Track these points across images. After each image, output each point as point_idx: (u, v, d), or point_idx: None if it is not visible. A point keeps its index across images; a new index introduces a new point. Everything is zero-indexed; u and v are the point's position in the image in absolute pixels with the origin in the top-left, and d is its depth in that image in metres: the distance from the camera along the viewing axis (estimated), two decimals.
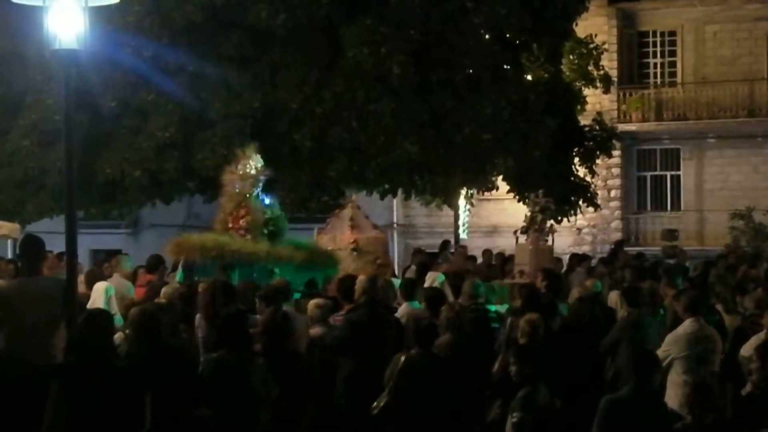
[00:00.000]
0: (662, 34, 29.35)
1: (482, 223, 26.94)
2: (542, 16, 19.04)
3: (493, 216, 27.17)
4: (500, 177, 19.71)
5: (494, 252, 18.85)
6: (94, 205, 18.26)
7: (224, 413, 6.68)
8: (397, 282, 12.60)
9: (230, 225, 12.35)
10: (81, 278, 10.39)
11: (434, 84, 17.44)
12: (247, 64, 17.05)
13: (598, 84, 22.69)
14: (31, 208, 17.69)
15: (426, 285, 12.15)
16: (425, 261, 14.97)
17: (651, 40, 29.44)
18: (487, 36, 18.30)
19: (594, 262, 17.24)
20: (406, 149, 16.68)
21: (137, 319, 7.03)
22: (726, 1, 28.45)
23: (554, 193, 19.18)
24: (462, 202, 21.59)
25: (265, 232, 12.39)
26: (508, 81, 18.43)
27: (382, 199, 19.55)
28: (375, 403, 7.99)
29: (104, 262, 14.48)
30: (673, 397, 8.31)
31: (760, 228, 25.46)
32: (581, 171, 21.90)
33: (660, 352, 8.69)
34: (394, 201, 26.55)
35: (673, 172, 29.42)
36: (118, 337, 8.10)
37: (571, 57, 22.02)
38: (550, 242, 17.07)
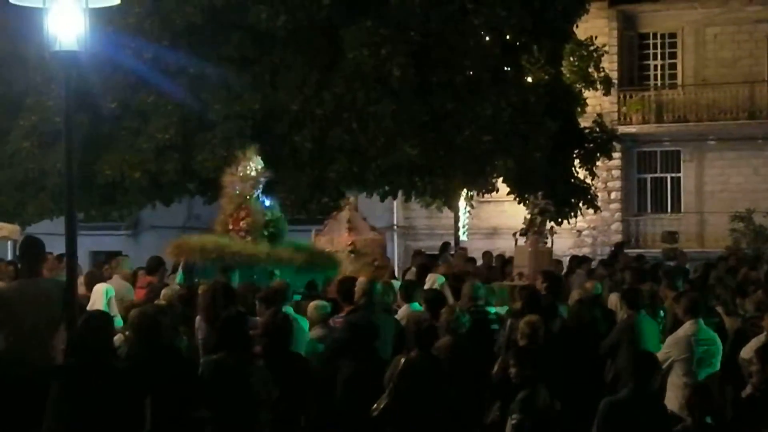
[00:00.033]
0: (663, 36, 29.35)
1: (482, 225, 26.94)
2: (542, 18, 19.04)
3: (493, 218, 27.17)
4: (500, 179, 19.71)
5: (494, 254, 18.86)
6: (94, 206, 18.26)
7: (224, 415, 6.68)
8: (397, 284, 12.60)
9: (230, 227, 12.34)
10: (80, 280, 10.39)
11: (434, 85, 17.44)
12: (247, 66, 17.05)
13: (598, 86, 22.69)
14: (31, 209, 17.69)
15: (426, 287, 12.15)
16: (425, 263, 14.97)
17: (651, 42, 29.44)
18: (487, 38, 18.29)
19: (594, 264, 17.25)
20: (405, 151, 16.68)
21: (137, 320, 7.04)
22: (726, 4, 28.45)
23: (554, 195, 19.19)
24: (462, 203, 21.60)
25: (266, 233, 12.39)
26: (508, 83, 18.43)
27: (382, 200, 19.55)
28: (375, 405, 7.99)
29: (104, 264, 14.47)
30: (673, 399, 8.31)
31: (761, 230, 25.45)
32: (581, 173, 21.90)
33: (660, 354, 8.69)
34: (395, 203, 26.57)
35: (673, 174, 29.42)
36: (117, 338, 8.10)
37: (571, 59, 22.03)
38: (549, 244, 17.07)
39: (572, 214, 21.35)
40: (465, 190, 20.61)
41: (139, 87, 17.04)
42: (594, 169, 22.15)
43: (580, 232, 28.23)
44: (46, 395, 5.99)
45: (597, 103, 25.06)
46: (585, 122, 22.32)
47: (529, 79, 19.89)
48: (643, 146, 29.54)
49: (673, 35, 29.26)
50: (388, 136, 16.72)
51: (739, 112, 28.11)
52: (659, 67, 29.44)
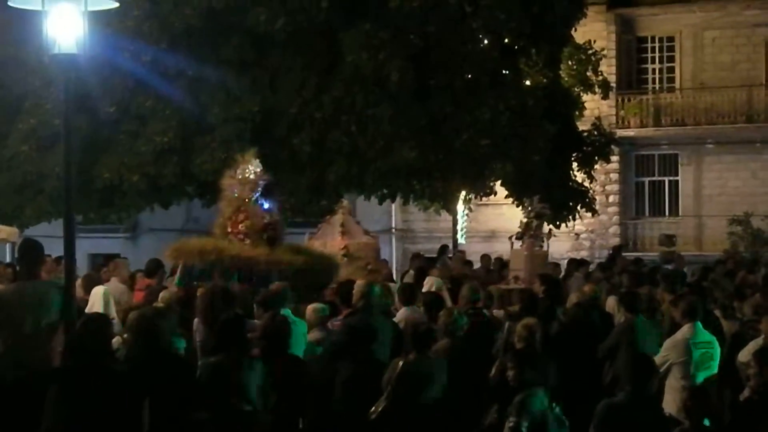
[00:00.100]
0: (661, 39, 29.37)
1: (480, 228, 26.96)
2: (541, 22, 19.05)
3: (492, 221, 27.18)
4: (498, 182, 19.73)
5: (492, 257, 18.87)
6: (93, 209, 18.25)
7: (222, 417, 6.68)
8: (395, 287, 12.62)
9: (229, 229, 12.33)
10: (78, 282, 10.38)
11: (433, 89, 17.46)
12: (246, 69, 17.06)
13: (596, 89, 22.71)
14: (30, 212, 17.68)
15: (424, 290, 12.16)
16: (423, 266, 14.99)
17: (649, 45, 29.47)
18: (485, 41, 18.31)
19: (592, 267, 17.27)
20: (404, 154, 16.69)
21: (136, 323, 7.04)
22: (725, 8, 28.49)
23: (552, 198, 19.19)
24: (460, 207, 21.61)
25: (264, 237, 12.37)
26: (506, 86, 18.45)
27: (380, 203, 19.55)
28: (373, 408, 7.99)
29: (103, 267, 14.46)
30: (671, 402, 8.32)
31: (759, 233, 25.50)
32: (579, 176, 21.92)
33: (658, 358, 8.71)
34: (393, 206, 26.57)
35: (671, 178, 29.44)
36: (116, 341, 8.10)
37: (569, 63, 22.05)
38: (545, 248, 17.09)
39: (570, 217, 21.37)
40: (463, 193, 20.61)
41: (138, 90, 17.04)
42: (592, 172, 22.17)
43: (578, 235, 28.24)
44: (45, 398, 6.00)
45: (595, 106, 25.10)
46: (583, 126, 22.35)
47: (528, 83, 19.92)
48: (641, 150, 29.57)
49: (671, 39, 29.28)
50: (387, 139, 16.73)
51: (737, 116, 28.13)
52: (657, 71, 29.46)
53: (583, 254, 25.80)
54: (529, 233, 16.66)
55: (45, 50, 7.13)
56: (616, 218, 29.15)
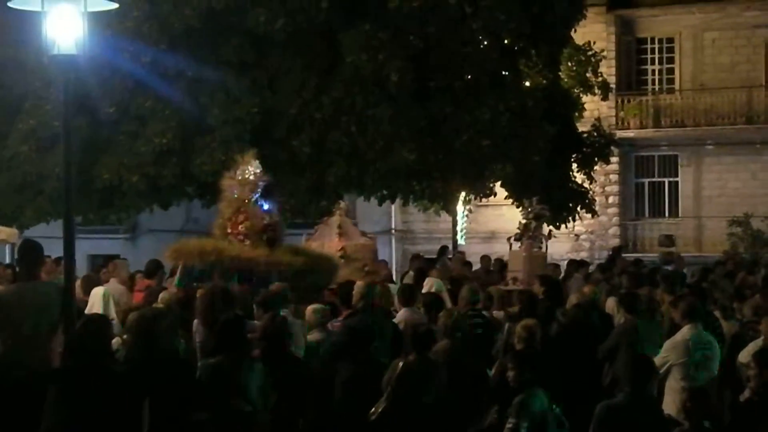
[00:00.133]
0: (660, 41, 29.36)
1: (480, 229, 26.96)
2: (541, 23, 19.06)
3: (491, 222, 27.17)
4: (498, 183, 19.73)
5: (492, 258, 18.86)
6: (92, 210, 18.25)
7: (222, 418, 6.68)
8: (394, 288, 12.61)
9: (229, 230, 12.32)
10: (77, 283, 10.38)
11: (433, 90, 17.46)
12: (245, 70, 17.06)
13: (596, 91, 22.71)
14: (29, 213, 17.68)
15: (424, 290, 12.16)
16: (423, 267, 14.98)
17: (649, 46, 29.46)
18: (485, 42, 18.31)
19: (592, 268, 17.26)
20: (403, 155, 16.69)
21: (135, 324, 7.03)
22: (724, 9, 28.49)
23: (552, 199, 19.19)
24: (460, 207, 21.61)
25: (264, 238, 12.37)
26: (506, 87, 18.45)
27: (380, 204, 19.55)
28: (373, 409, 7.99)
29: (102, 268, 14.46)
30: (671, 403, 8.31)
31: (758, 234, 25.49)
32: (579, 177, 21.92)
33: (658, 359, 8.70)
34: (392, 206, 26.56)
35: (671, 179, 29.44)
36: (115, 342, 8.10)
37: (569, 64, 22.05)
38: (543, 249, 17.09)
39: (570, 218, 21.37)
40: (463, 193, 20.61)
41: (138, 91, 17.04)
42: (592, 173, 22.18)
43: (577, 236, 28.23)
44: (44, 399, 6.00)
45: (595, 107, 25.11)
46: (583, 127, 22.35)
47: (527, 84, 19.92)
48: (640, 151, 29.56)
49: (671, 40, 29.28)
50: (387, 140, 16.73)
51: (736, 117, 28.13)
52: (657, 72, 29.46)
53: (583, 255, 25.79)
54: (528, 234, 16.66)
55: (45, 51, 7.13)
56: (615, 219, 29.15)
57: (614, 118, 28.28)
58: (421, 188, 18.03)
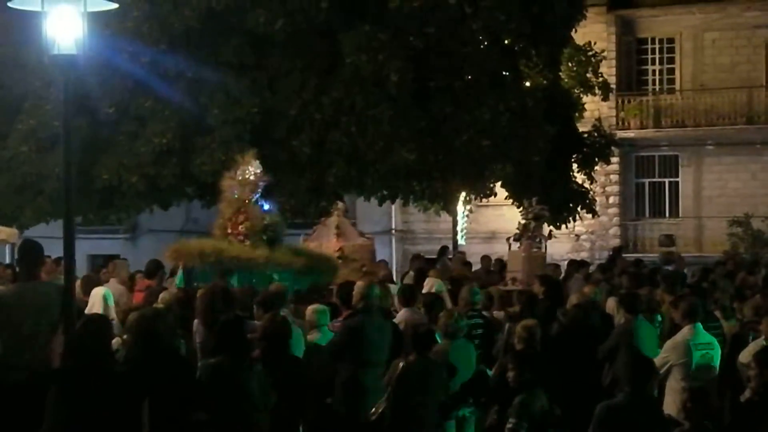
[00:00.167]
0: (661, 41, 29.36)
1: (480, 229, 26.95)
2: (541, 23, 19.06)
3: (492, 222, 27.17)
4: (499, 183, 19.73)
5: (493, 258, 18.85)
6: (92, 210, 18.25)
7: (222, 419, 6.68)
8: (395, 288, 12.61)
9: (229, 230, 12.33)
10: (77, 283, 10.38)
11: (433, 90, 17.45)
12: (245, 70, 17.06)
13: (596, 91, 22.71)
14: (29, 213, 17.68)
15: (424, 291, 12.15)
16: (423, 267, 14.98)
17: (650, 47, 29.46)
18: (485, 42, 18.30)
19: (592, 268, 17.25)
20: (403, 156, 16.68)
21: (136, 324, 7.03)
22: (725, 9, 28.48)
23: (553, 199, 19.19)
24: (460, 208, 21.61)
25: (264, 238, 12.38)
26: (506, 87, 18.44)
27: (380, 204, 19.55)
28: (373, 409, 7.99)
29: (102, 268, 14.47)
30: (671, 403, 8.31)
31: (759, 235, 25.49)
32: (580, 177, 21.92)
33: (658, 359, 8.70)
34: (393, 207, 26.56)
35: (671, 179, 29.43)
36: (115, 342, 8.09)
37: (569, 64, 22.04)
38: (543, 249, 17.10)
39: (570, 218, 21.37)
40: (463, 194, 20.61)
41: (137, 91, 17.04)
42: (592, 173, 22.17)
43: (578, 236, 28.23)
44: (44, 399, 5.99)
45: (595, 108, 25.10)
46: (583, 127, 22.35)
47: (528, 84, 19.91)
48: (641, 151, 29.56)
49: (671, 40, 29.27)
50: (387, 141, 16.73)
51: (737, 117, 28.12)
52: (657, 72, 29.45)
53: (583, 255, 25.78)
54: (527, 235, 16.67)
55: (45, 51, 7.12)
56: (616, 219, 29.15)
57: (615, 119, 28.27)
58: (422, 188, 18.02)
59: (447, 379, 8.02)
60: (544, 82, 20.25)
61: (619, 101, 28.58)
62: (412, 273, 15.08)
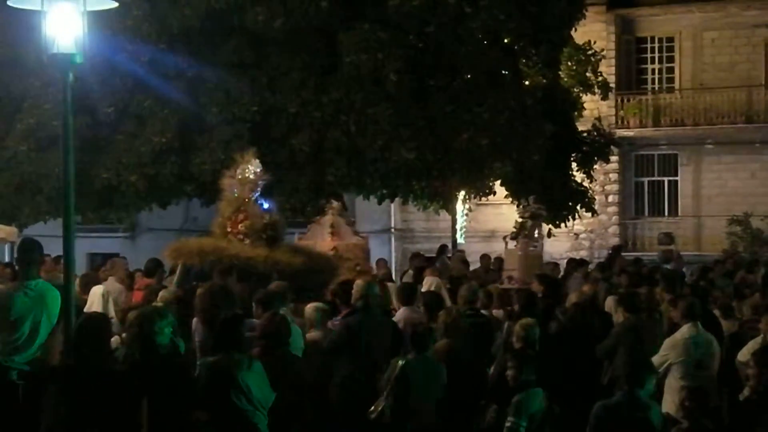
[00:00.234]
0: (660, 40, 29.36)
1: (480, 228, 26.95)
2: (541, 22, 19.05)
3: (491, 221, 27.17)
4: (498, 182, 19.74)
5: (492, 257, 18.86)
6: (91, 209, 18.24)
7: (221, 417, 6.68)
8: (393, 287, 12.62)
9: (229, 229, 12.33)
10: (75, 282, 10.38)
11: (432, 89, 17.45)
12: (245, 69, 17.04)
13: (596, 90, 22.70)
14: (28, 212, 17.68)
15: (423, 289, 12.16)
16: (422, 265, 14.99)
17: (649, 46, 29.45)
18: (485, 41, 18.29)
19: (591, 267, 17.26)
20: (402, 155, 16.68)
21: (135, 322, 7.03)
22: (724, 8, 28.48)
23: (552, 198, 19.19)
24: (460, 206, 21.62)
25: (264, 236, 12.38)
26: (506, 86, 18.43)
27: (379, 203, 19.55)
28: (372, 408, 8.00)
29: (101, 266, 14.47)
30: (670, 402, 8.32)
31: (758, 233, 25.52)
32: (579, 176, 21.92)
33: (657, 357, 8.72)
34: (392, 205, 26.56)
35: (670, 178, 29.43)
36: (114, 340, 8.10)
37: (569, 63, 22.04)
38: (539, 248, 17.12)
39: (570, 217, 21.38)
40: (462, 192, 20.61)
41: (137, 90, 17.02)
42: (591, 172, 22.17)
43: (577, 235, 28.24)
44: (43, 398, 6.00)
45: (595, 107, 25.08)
46: (583, 126, 22.34)
47: (527, 83, 19.90)
48: (640, 150, 29.56)
49: (670, 39, 29.27)
50: (386, 139, 16.73)
51: (736, 116, 28.12)
52: (657, 71, 29.45)
53: (583, 254, 25.80)
54: (524, 233, 16.69)
55: (44, 50, 7.12)
56: (615, 218, 29.15)
57: (614, 118, 28.27)
58: (421, 187, 18.02)
59: (446, 377, 8.03)
60: (544, 81, 20.24)
61: (619, 100, 28.57)
62: (411, 272, 15.10)
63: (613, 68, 27.81)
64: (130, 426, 6.11)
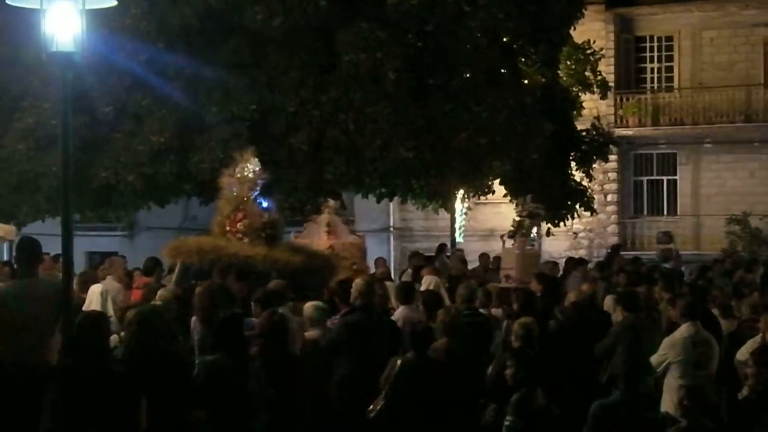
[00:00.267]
0: (659, 39, 29.37)
1: (479, 227, 26.95)
2: (540, 21, 19.05)
3: (490, 220, 27.16)
4: (497, 181, 19.74)
5: (491, 256, 18.87)
6: (89, 208, 18.23)
7: (220, 416, 6.68)
8: (392, 285, 12.62)
9: (228, 228, 12.33)
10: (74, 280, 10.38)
11: (431, 88, 17.44)
12: (244, 68, 17.03)
13: (595, 89, 22.71)
14: (26, 210, 17.66)
15: (422, 288, 12.17)
16: (421, 264, 15.00)
17: (648, 45, 29.46)
18: (484, 40, 18.28)
19: (590, 266, 17.27)
20: (401, 153, 16.68)
21: (133, 321, 7.03)
22: (723, 7, 28.49)
23: (551, 197, 19.18)
24: (459, 205, 21.62)
25: (263, 235, 12.38)
26: (504, 85, 18.43)
27: (378, 202, 19.55)
28: (371, 407, 8.00)
29: (100, 265, 14.47)
30: (669, 401, 8.33)
31: (756, 233, 25.53)
32: (578, 175, 21.93)
33: (656, 357, 8.72)
34: (391, 204, 26.56)
35: (669, 177, 29.45)
36: (113, 339, 8.10)
37: (568, 62, 22.04)
38: (536, 247, 17.12)
39: (569, 216, 21.38)
40: (461, 191, 20.62)
41: (135, 89, 17.00)
42: (590, 171, 22.17)
43: (576, 234, 28.25)
44: (43, 397, 5.99)
45: (594, 106, 25.08)
46: (582, 125, 22.34)
47: (526, 82, 19.90)
48: (639, 149, 29.57)
49: (669, 38, 29.28)
50: (385, 138, 16.72)
51: (735, 115, 28.14)
52: (656, 70, 29.46)
53: (582, 253, 25.81)
54: (521, 232, 16.70)
55: (43, 48, 7.11)
56: (614, 217, 29.15)
57: (613, 117, 28.28)
58: (420, 186, 18.01)
59: (444, 376, 8.03)
60: (543, 80, 20.24)
61: (618, 99, 28.58)
62: (410, 270, 15.10)
63: (612, 67, 27.82)
64: (129, 425, 6.11)
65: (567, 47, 21.66)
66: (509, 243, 17.12)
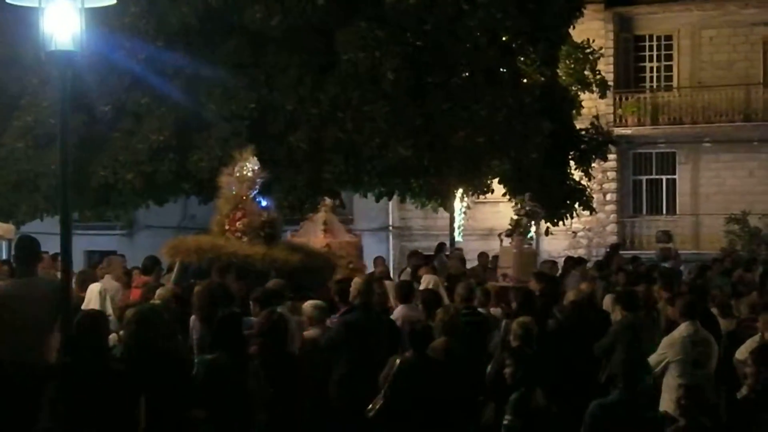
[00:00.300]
0: (658, 38, 29.37)
1: (478, 226, 26.95)
2: (539, 20, 19.05)
3: (489, 219, 27.16)
4: (496, 179, 19.73)
5: (490, 255, 18.86)
6: (88, 207, 18.22)
7: (219, 415, 6.67)
8: (390, 284, 12.61)
9: (227, 227, 12.32)
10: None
11: (429, 86, 17.44)
12: (242, 66, 17.02)
13: (594, 88, 22.70)
14: (25, 209, 17.65)
15: (422, 287, 12.16)
16: (420, 264, 14.99)
17: (647, 44, 29.46)
18: (482, 39, 18.28)
19: (589, 265, 17.27)
20: (400, 152, 16.68)
21: (132, 320, 7.02)
22: (722, 6, 28.50)
23: (550, 196, 19.18)
24: (458, 204, 21.62)
25: (262, 234, 12.37)
26: (503, 84, 18.43)
27: (377, 201, 19.55)
28: (370, 406, 8.00)
29: (99, 264, 14.46)
30: (668, 400, 8.32)
31: (756, 232, 25.52)
32: (577, 175, 21.93)
33: (655, 356, 8.72)
34: (390, 203, 26.55)
35: (668, 176, 29.46)
36: (112, 338, 8.10)
37: (567, 61, 22.04)
38: (534, 246, 17.11)
39: (568, 215, 21.38)
40: (460, 190, 20.62)
41: (134, 87, 16.99)
42: (589, 170, 22.18)
43: (575, 233, 28.25)
44: (42, 395, 5.99)
45: (593, 105, 25.09)
46: (581, 124, 22.34)
47: (525, 81, 19.90)
48: (638, 148, 29.58)
49: (668, 37, 29.29)
50: (383, 137, 16.72)
51: (734, 115, 28.14)
52: (655, 70, 29.46)
53: (581, 252, 25.83)
54: (519, 231, 16.69)
55: (42, 47, 7.11)
56: (613, 216, 29.16)
57: (612, 116, 28.29)
58: (418, 185, 18.02)
59: (443, 375, 8.03)
60: (542, 79, 20.23)
61: (617, 98, 28.58)
62: (409, 269, 15.09)
63: (612, 66, 27.83)
64: (128, 424, 6.11)
65: (566, 46, 21.66)
66: (506, 242, 17.11)
